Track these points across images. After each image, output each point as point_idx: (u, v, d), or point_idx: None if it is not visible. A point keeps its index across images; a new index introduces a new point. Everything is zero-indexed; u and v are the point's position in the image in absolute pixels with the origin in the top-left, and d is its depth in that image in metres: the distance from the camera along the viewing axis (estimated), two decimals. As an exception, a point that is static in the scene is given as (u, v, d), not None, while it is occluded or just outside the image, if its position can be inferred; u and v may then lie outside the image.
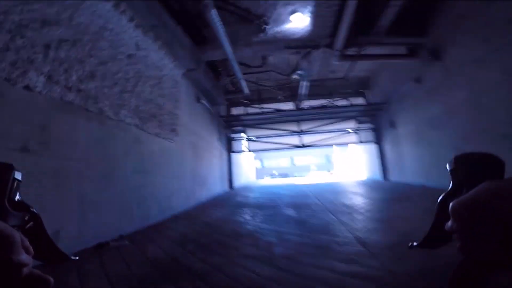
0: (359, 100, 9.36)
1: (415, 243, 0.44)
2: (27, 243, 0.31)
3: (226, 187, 8.83)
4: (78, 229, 2.42)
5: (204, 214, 4.40)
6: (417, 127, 6.37)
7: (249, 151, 9.97)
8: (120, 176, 3.08)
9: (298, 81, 8.88)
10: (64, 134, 2.39)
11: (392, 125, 7.70)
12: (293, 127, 9.38)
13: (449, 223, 0.32)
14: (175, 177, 4.57)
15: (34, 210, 0.38)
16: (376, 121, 9.11)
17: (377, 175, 9.26)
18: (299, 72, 6.40)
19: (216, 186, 7.42)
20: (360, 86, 9.45)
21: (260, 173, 29.58)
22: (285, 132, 9.48)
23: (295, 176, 31.43)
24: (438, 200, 0.38)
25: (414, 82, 6.17)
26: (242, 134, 9.86)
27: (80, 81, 2.60)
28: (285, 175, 34.86)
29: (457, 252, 0.31)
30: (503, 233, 0.26)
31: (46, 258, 0.40)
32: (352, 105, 8.98)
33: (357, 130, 9.48)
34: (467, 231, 0.29)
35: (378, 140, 9.04)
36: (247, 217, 3.93)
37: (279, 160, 38.39)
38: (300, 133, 9.41)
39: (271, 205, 4.98)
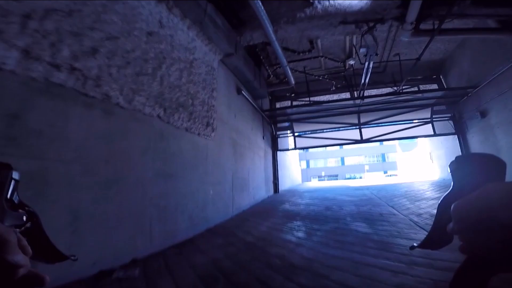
0: (432, 88, 7.51)
1: (415, 244, 0.43)
2: (25, 242, 0.31)
3: (271, 191, 7.91)
4: (69, 253, 1.73)
5: (245, 227, 3.53)
6: None
7: (297, 148, 8.87)
8: (134, 182, 2.38)
9: (353, 69, 7.51)
10: (48, 127, 1.74)
11: (483, 113, 5.84)
12: (351, 120, 7.97)
13: (451, 224, 0.31)
14: (211, 181, 3.81)
15: (32, 210, 0.38)
16: (457, 109, 7.18)
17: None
18: (362, 50, 5.11)
19: (259, 190, 6.55)
20: (432, 72, 7.61)
21: (306, 175, 28.00)
22: (340, 126, 8.14)
23: (347, 178, 29.00)
24: (440, 201, 0.37)
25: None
26: (289, 134, 8.84)
27: (75, 57, 1.94)
28: (334, 177, 32.54)
29: (459, 253, 0.30)
30: (505, 235, 0.25)
31: (45, 258, 0.40)
32: (428, 91, 7.18)
33: (432, 120, 7.63)
34: (469, 232, 0.29)
35: (460, 132, 7.09)
36: (301, 234, 2.92)
37: (327, 160, 36.13)
38: (360, 125, 7.96)
39: (330, 216, 3.88)
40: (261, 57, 6.59)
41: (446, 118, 7.41)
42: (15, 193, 0.36)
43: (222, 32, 4.20)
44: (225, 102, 4.75)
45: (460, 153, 6.94)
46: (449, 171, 0.36)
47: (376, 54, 5.31)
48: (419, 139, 11.45)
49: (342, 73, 7.68)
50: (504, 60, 4.98)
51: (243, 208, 5.04)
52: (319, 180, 31.39)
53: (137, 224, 2.35)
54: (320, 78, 7.78)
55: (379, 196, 5.61)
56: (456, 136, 7.23)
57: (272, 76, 7.57)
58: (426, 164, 10.35)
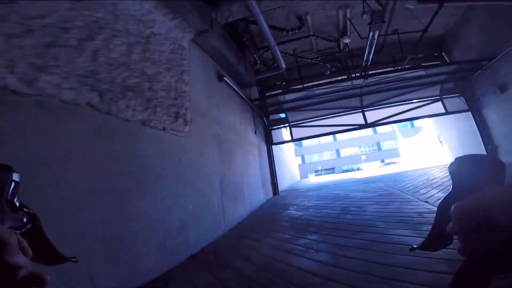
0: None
1: (415, 246, 0.43)
2: (25, 244, 0.31)
3: (269, 193, 6.99)
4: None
5: (242, 250, 2.59)
6: None
7: (294, 140, 7.95)
8: (53, 209, 1.41)
9: (349, 49, 6.65)
10: None
11: (503, 87, 5.08)
12: (352, 103, 7.10)
13: (450, 225, 0.31)
14: (189, 193, 2.85)
15: (33, 212, 0.37)
16: (468, 85, 6.42)
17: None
18: (366, 16, 4.22)
19: (256, 194, 5.61)
20: (431, 50, 6.86)
21: (303, 171, 27.18)
22: (340, 111, 7.27)
23: (344, 170, 28.29)
24: (440, 203, 0.37)
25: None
26: (285, 124, 7.93)
27: None
28: (331, 170, 31.82)
29: (458, 255, 0.30)
30: (505, 236, 0.26)
31: (45, 259, 0.40)
32: (437, 65, 6.36)
33: (441, 98, 6.85)
34: (468, 233, 0.29)
35: (474, 109, 6.34)
36: (324, 257, 2.00)
37: (322, 154, 35.43)
38: (363, 109, 7.10)
39: (353, 222, 2.98)
40: (245, 39, 5.66)
41: (457, 95, 6.63)
42: (16, 195, 0.35)
43: (191, 6, 3.27)
44: (204, 91, 3.80)
45: (478, 132, 6.11)
46: (449, 172, 0.36)
47: (383, 22, 4.44)
48: (423, 123, 10.73)
49: (337, 54, 6.82)
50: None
51: (238, 220, 4.09)
52: (316, 175, 30.65)
53: (67, 274, 1.38)
54: (313, 61, 6.91)
55: (399, 189, 4.75)
56: (469, 114, 6.47)
57: (259, 62, 6.66)
58: (433, 149, 9.58)
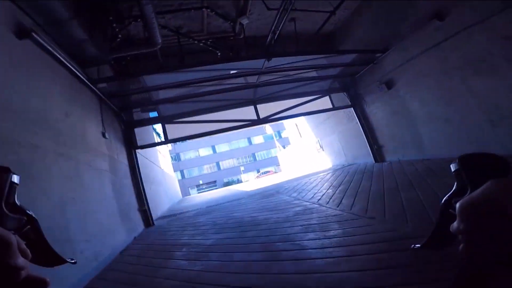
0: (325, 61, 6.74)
1: (417, 245, 0.42)
2: (24, 246, 0.31)
3: (138, 227, 4.65)
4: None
5: None
6: (444, 77, 4.14)
7: (169, 141, 5.88)
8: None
9: (245, 36, 5.57)
10: None
11: (390, 84, 5.38)
12: (245, 95, 5.92)
13: (455, 224, 0.30)
14: None
15: (31, 214, 0.37)
16: (353, 83, 6.65)
17: (359, 157, 6.96)
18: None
19: (107, 237, 3.23)
20: (322, 46, 6.93)
21: (183, 187, 24.64)
22: (231, 103, 5.94)
23: (227, 183, 27.85)
24: (442, 201, 0.37)
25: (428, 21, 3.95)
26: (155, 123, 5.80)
27: None
28: (213, 184, 30.85)
29: (462, 254, 0.29)
30: (510, 232, 0.25)
31: (44, 261, 0.40)
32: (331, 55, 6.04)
33: (330, 94, 6.90)
34: (474, 231, 0.28)
35: (358, 106, 6.68)
36: None
37: (202, 168, 34.07)
38: (255, 101, 6.06)
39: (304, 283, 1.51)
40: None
41: (342, 92, 6.85)
42: (15, 197, 0.35)
43: None
44: None
45: (362, 132, 6.39)
46: (452, 170, 0.35)
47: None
48: (302, 130, 11.32)
49: (231, 38, 5.58)
50: (407, 25, 4.43)
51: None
52: (198, 190, 28.84)
53: None
54: (201, 44, 5.35)
55: (311, 201, 3.85)
56: (352, 116, 6.77)
57: (119, 37, 4.36)
58: (314, 154, 10.10)
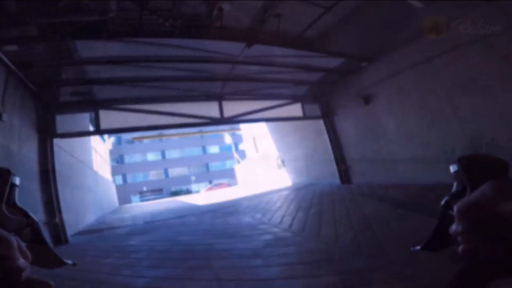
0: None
1: (417, 247, 0.41)
2: (24, 248, 0.31)
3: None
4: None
5: None
6: (430, 96, 3.98)
7: (103, 131, 4.62)
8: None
9: (222, 27, 4.82)
10: None
11: (368, 99, 5.12)
12: (211, 88, 5.03)
13: (454, 225, 0.30)
14: None
15: (31, 215, 0.37)
16: (326, 96, 6.37)
17: (323, 177, 6.57)
18: None
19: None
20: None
21: (123, 193, 21.83)
22: (192, 95, 4.97)
23: (175, 192, 25.67)
24: (442, 203, 0.36)
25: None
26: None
27: None
28: (159, 192, 28.18)
29: (461, 255, 0.29)
30: (509, 232, 0.25)
31: (44, 263, 0.39)
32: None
33: (303, 102, 6.45)
34: (473, 232, 0.28)
35: (328, 117, 6.34)
36: None
37: (149, 174, 31.16)
38: (221, 97, 5.22)
39: None
40: None
41: (315, 101, 6.50)
42: (15, 198, 0.36)
43: None
44: None
45: (331, 149, 6.01)
46: (451, 171, 0.35)
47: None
48: (260, 144, 10.78)
49: (205, 24, 4.76)
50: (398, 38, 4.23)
51: None
52: (141, 198, 26.02)
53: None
54: (167, 24, 4.41)
55: (279, 226, 3.17)
56: (320, 133, 6.42)
57: None
58: (273, 170, 9.53)
